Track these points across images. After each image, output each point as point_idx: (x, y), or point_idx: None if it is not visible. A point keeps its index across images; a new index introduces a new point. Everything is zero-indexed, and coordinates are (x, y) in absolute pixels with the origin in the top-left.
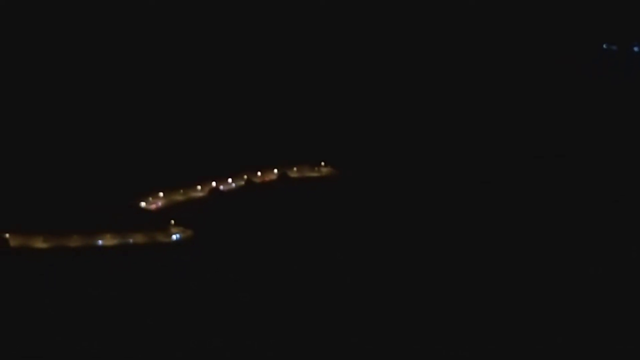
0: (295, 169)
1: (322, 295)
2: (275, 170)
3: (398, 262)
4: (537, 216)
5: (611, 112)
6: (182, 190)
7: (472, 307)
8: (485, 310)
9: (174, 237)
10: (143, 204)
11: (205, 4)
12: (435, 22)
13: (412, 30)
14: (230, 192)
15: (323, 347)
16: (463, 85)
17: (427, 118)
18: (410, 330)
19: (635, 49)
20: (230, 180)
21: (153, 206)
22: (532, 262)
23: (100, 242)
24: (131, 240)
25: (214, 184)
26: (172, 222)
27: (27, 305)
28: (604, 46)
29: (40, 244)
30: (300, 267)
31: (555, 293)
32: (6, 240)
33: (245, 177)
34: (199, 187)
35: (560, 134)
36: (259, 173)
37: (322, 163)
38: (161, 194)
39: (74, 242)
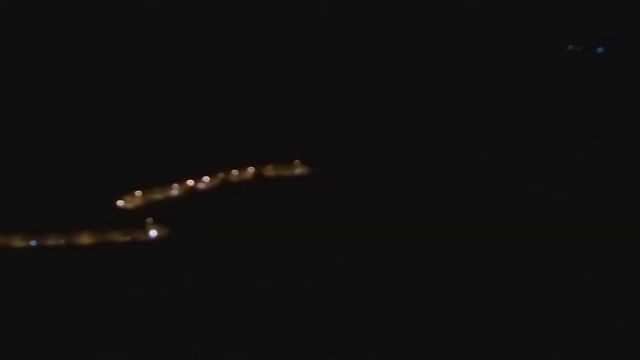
0: (271, 167)
1: (300, 295)
2: (252, 169)
3: (376, 261)
4: (525, 224)
5: (580, 114)
6: (159, 189)
7: (465, 310)
8: (480, 313)
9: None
10: (120, 202)
11: (184, 5)
12: (413, 19)
13: (387, 24)
14: (206, 191)
15: (303, 348)
16: (438, 84)
17: (406, 114)
18: (398, 333)
19: (600, 50)
20: (206, 178)
21: (130, 204)
22: (522, 270)
23: (78, 240)
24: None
25: (190, 182)
26: (150, 220)
27: (5, 304)
28: (570, 47)
29: (19, 242)
30: (278, 265)
31: (554, 294)
32: None
33: (222, 175)
34: (175, 186)
35: (533, 136)
36: (235, 172)
37: (299, 161)
38: (139, 193)
39: (52, 240)
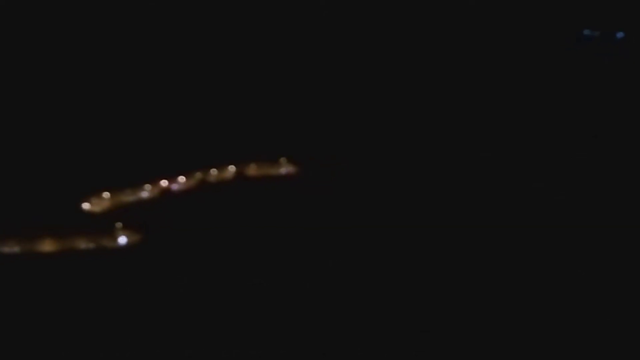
0: (253, 166)
1: (283, 297)
2: (232, 168)
3: (366, 261)
4: (525, 223)
5: (580, 114)
6: (129, 190)
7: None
8: (478, 312)
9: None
10: (86, 205)
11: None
12: (410, 19)
13: (381, 23)
14: (182, 192)
15: (285, 350)
16: (436, 84)
17: (402, 114)
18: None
19: (619, 35)
20: (182, 178)
21: (97, 208)
22: (522, 270)
23: (39, 247)
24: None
25: (164, 182)
26: (120, 225)
27: None
28: (586, 32)
29: None
30: (258, 272)
31: (554, 293)
32: None
33: (199, 175)
34: (147, 187)
35: (547, 129)
36: (214, 171)
37: (283, 159)
38: (107, 195)
39: (7, 248)
